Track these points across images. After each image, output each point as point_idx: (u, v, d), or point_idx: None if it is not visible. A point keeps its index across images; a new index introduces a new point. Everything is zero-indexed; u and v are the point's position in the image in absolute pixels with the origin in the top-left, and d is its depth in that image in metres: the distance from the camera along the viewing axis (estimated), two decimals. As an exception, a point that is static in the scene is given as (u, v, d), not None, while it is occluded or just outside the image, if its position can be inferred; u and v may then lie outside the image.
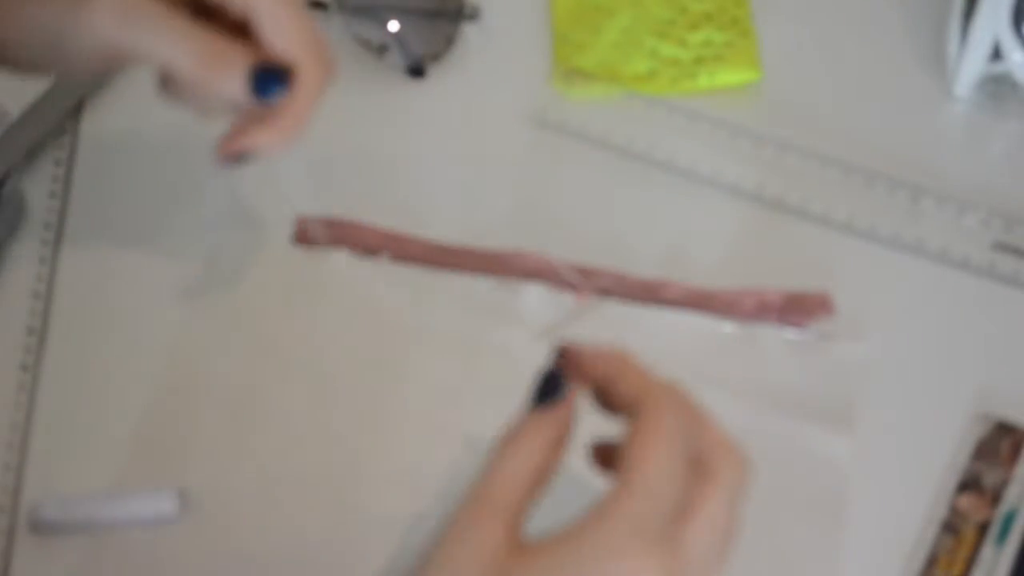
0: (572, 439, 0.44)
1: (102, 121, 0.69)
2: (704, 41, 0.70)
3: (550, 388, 0.44)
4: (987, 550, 0.56)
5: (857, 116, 0.68)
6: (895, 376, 0.61)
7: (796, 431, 0.59)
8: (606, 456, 0.45)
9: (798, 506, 0.58)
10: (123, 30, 0.51)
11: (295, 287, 0.63)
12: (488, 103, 0.69)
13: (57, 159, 0.67)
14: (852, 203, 0.65)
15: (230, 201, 0.66)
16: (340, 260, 0.64)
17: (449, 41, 0.70)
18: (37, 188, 0.66)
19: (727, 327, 0.62)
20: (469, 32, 0.71)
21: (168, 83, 0.54)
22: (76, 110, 0.68)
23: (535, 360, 0.61)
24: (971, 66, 0.67)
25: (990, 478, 0.58)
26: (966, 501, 0.58)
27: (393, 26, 0.69)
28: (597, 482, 0.44)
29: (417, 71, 0.69)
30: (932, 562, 0.56)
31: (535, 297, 0.63)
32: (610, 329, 0.62)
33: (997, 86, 0.67)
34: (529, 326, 0.62)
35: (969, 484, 0.58)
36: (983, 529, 0.57)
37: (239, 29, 0.53)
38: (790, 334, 0.62)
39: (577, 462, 0.45)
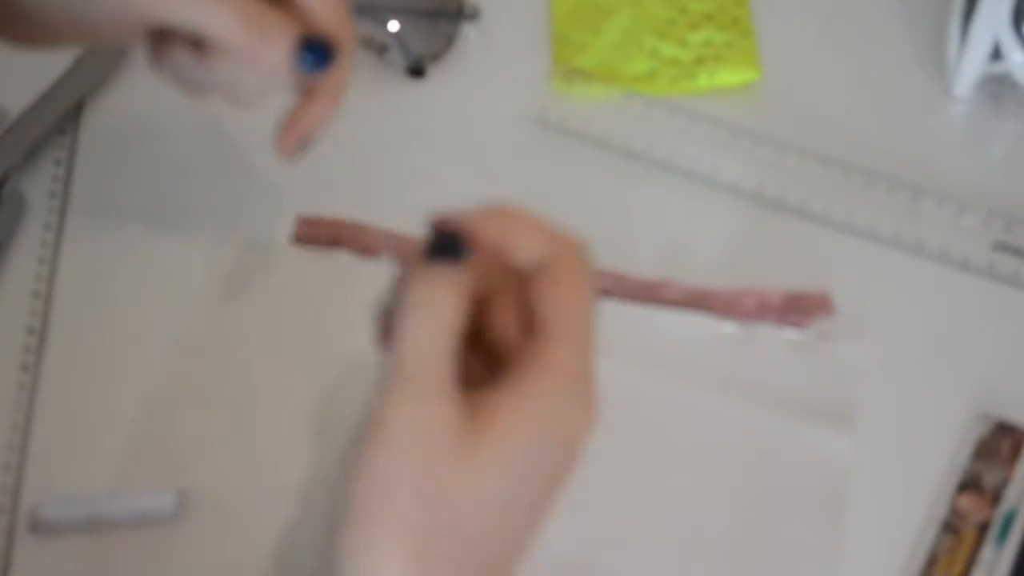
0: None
1: (102, 121, 0.69)
2: (704, 41, 0.70)
3: (446, 247, 0.43)
4: (987, 550, 0.56)
5: (857, 116, 0.68)
6: (895, 376, 0.61)
7: (796, 431, 0.59)
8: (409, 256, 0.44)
9: (798, 506, 0.58)
10: None
11: (295, 287, 0.63)
12: (488, 103, 0.69)
13: (57, 159, 0.67)
14: (852, 203, 0.65)
15: (230, 201, 0.66)
16: (340, 260, 0.64)
17: (449, 41, 0.70)
18: (37, 188, 0.66)
19: (727, 327, 0.62)
20: (469, 32, 0.71)
21: (197, 59, 0.52)
22: (76, 110, 0.68)
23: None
24: (971, 66, 0.67)
25: (990, 478, 0.58)
26: (966, 501, 0.58)
27: (393, 26, 0.69)
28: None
29: (417, 71, 0.69)
30: (932, 562, 0.56)
31: (535, 297, 0.63)
32: (610, 329, 0.62)
33: (997, 86, 0.67)
34: (529, 326, 0.62)
35: (969, 484, 0.58)
36: (983, 529, 0.57)
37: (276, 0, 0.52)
38: (790, 334, 0.62)
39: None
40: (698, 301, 0.62)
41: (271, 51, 0.51)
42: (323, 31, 0.52)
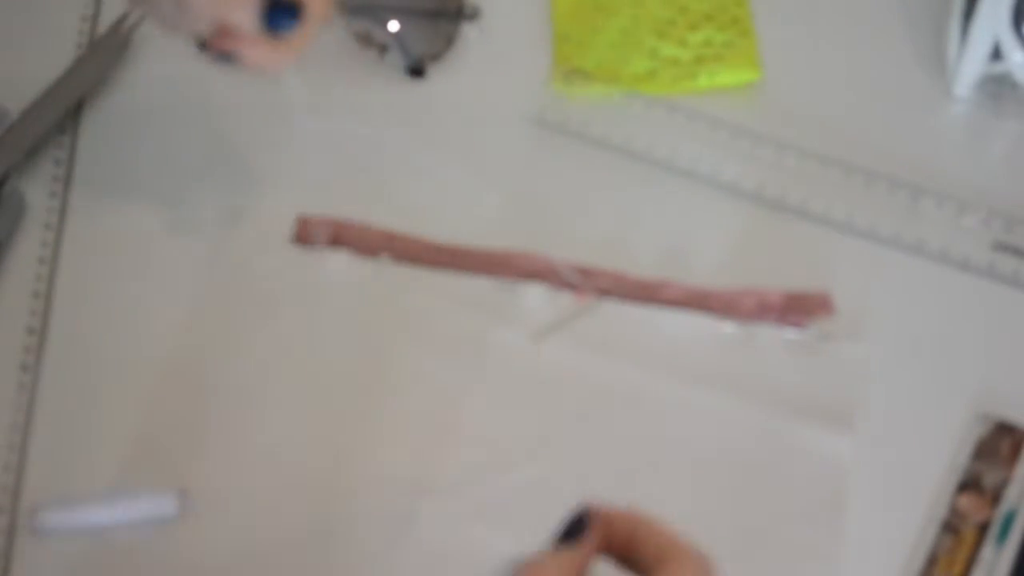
0: None
1: (102, 121, 0.69)
2: (704, 41, 0.70)
3: (574, 529, 0.45)
4: (987, 550, 0.56)
5: (857, 116, 0.68)
6: (895, 376, 0.61)
7: (796, 431, 0.59)
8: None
9: (798, 506, 0.58)
10: None
11: (295, 287, 0.63)
12: (488, 103, 0.69)
13: (57, 159, 0.67)
14: (852, 203, 0.65)
15: (230, 201, 0.66)
16: (340, 260, 0.64)
17: (449, 41, 0.70)
18: (37, 188, 0.66)
19: (727, 327, 0.62)
20: (469, 32, 0.71)
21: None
22: (76, 110, 0.69)
23: (535, 360, 0.62)
24: (971, 66, 0.67)
25: (990, 478, 0.58)
26: (966, 501, 0.58)
27: (393, 26, 0.69)
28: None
29: (417, 71, 0.69)
30: (932, 562, 0.56)
31: (535, 297, 0.63)
32: (610, 329, 0.62)
33: (997, 86, 0.67)
34: (529, 326, 0.62)
35: (969, 484, 0.58)
36: (983, 529, 0.57)
37: None
38: (790, 334, 0.62)
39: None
40: (698, 301, 0.62)
41: (239, 15, 0.53)
42: None
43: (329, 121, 0.69)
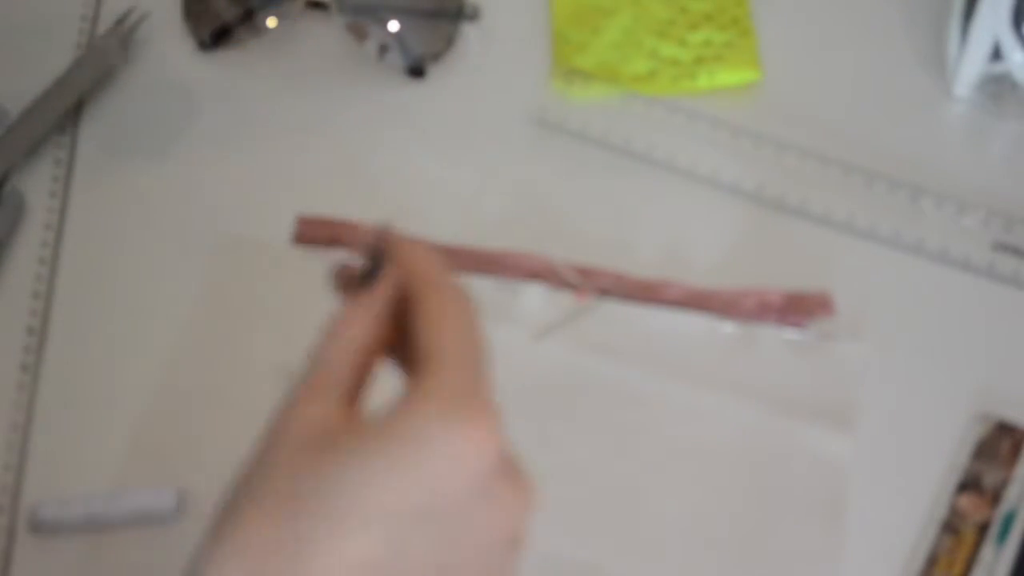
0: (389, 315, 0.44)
1: (102, 121, 0.69)
2: (704, 41, 0.70)
3: (368, 278, 0.45)
4: (987, 550, 0.56)
5: (857, 116, 0.68)
6: (895, 376, 0.61)
7: (796, 431, 0.59)
8: (348, 282, 0.46)
9: (798, 506, 0.58)
10: None
11: (295, 287, 0.63)
12: (488, 103, 0.69)
13: (57, 159, 0.67)
14: (852, 203, 0.65)
15: (230, 201, 0.66)
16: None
17: (449, 41, 0.70)
18: (37, 188, 0.66)
19: (727, 327, 0.62)
20: (469, 32, 0.71)
21: None
22: (76, 110, 0.69)
23: (535, 360, 0.62)
24: (971, 66, 0.67)
25: (990, 478, 0.58)
26: (966, 501, 0.58)
27: (393, 26, 0.69)
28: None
29: (417, 71, 0.69)
30: (932, 562, 0.56)
31: (535, 297, 0.63)
32: (610, 329, 0.62)
33: (997, 86, 0.67)
34: (529, 326, 0.62)
35: (969, 484, 0.58)
36: (983, 529, 0.57)
37: None
38: (790, 334, 0.62)
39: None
40: (698, 301, 0.62)
41: None
42: None
43: (329, 121, 0.69)
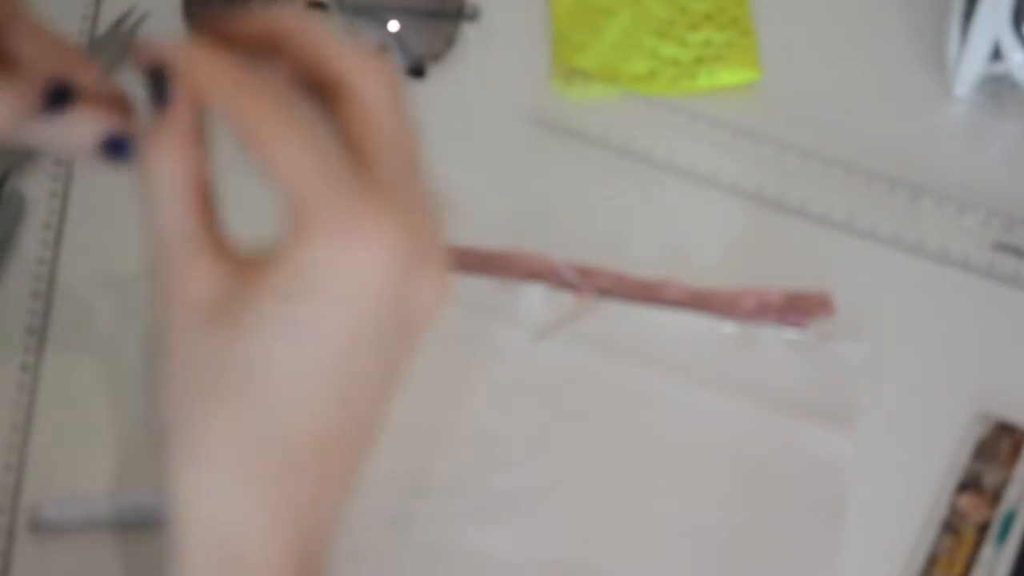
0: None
1: (102, 121, 0.69)
2: (704, 41, 0.70)
3: (157, 94, 0.40)
4: (987, 550, 0.56)
5: (857, 116, 0.68)
6: (895, 376, 0.61)
7: (796, 431, 0.59)
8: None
9: (798, 506, 0.58)
10: None
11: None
12: (488, 103, 0.69)
13: (57, 159, 0.67)
14: (852, 203, 0.65)
15: (230, 200, 0.66)
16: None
17: (449, 41, 0.70)
18: (37, 188, 0.66)
19: (727, 327, 0.62)
20: (469, 32, 0.71)
21: None
22: (76, 110, 0.68)
23: (535, 360, 0.62)
24: (971, 66, 0.67)
25: (990, 478, 0.58)
26: (966, 501, 0.58)
27: (393, 26, 0.69)
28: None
29: (417, 71, 0.69)
30: (932, 562, 0.56)
31: (535, 297, 0.63)
32: (610, 329, 0.62)
33: (997, 86, 0.67)
34: (529, 326, 0.62)
35: (969, 484, 0.58)
36: (983, 529, 0.57)
37: None
38: (790, 334, 0.62)
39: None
40: (698, 301, 0.62)
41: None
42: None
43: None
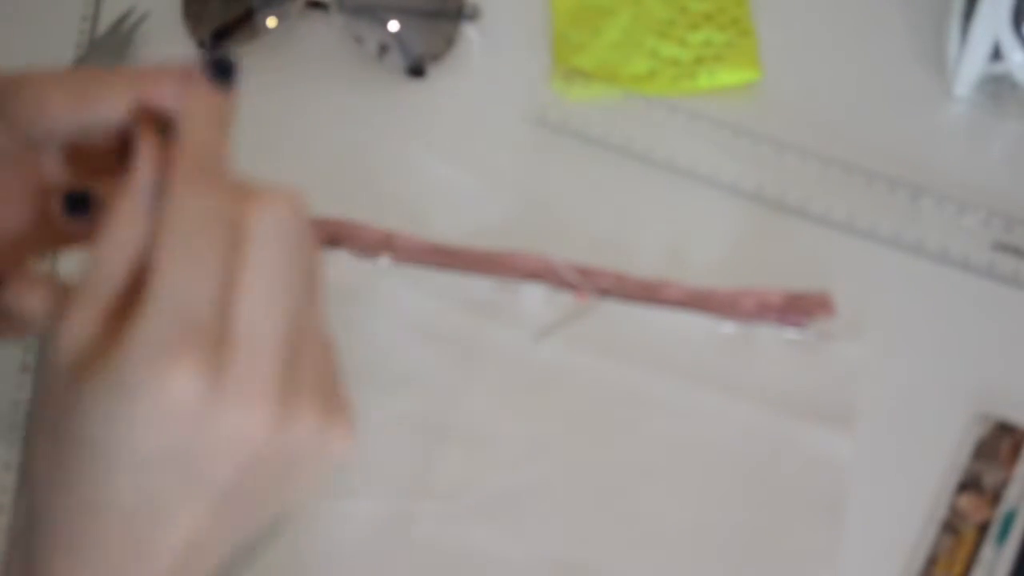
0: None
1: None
2: (704, 41, 0.70)
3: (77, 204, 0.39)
4: (987, 550, 0.56)
5: (857, 116, 0.68)
6: (895, 376, 0.61)
7: (796, 431, 0.59)
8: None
9: (798, 506, 0.58)
10: None
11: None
12: (488, 103, 0.69)
13: (57, 159, 0.67)
14: (852, 203, 0.65)
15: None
16: (340, 260, 0.64)
17: (449, 41, 0.70)
18: (37, 188, 0.66)
19: (727, 327, 0.62)
20: (469, 32, 0.71)
21: None
22: (76, 110, 0.68)
23: (535, 360, 0.62)
24: (971, 66, 0.67)
25: (990, 478, 0.58)
26: (966, 501, 0.58)
27: (393, 26, 0.69)
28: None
29: (417, 71, 0.69)
30: (932, 562, 0.56)
31: (535, 297, 0.63)
32: (610, 329, 0.62)
33: (997, 86, 0.67)
34: (529, 326, 0.62)
35: (969, 484, 0.58)
36: (983, 529, 0.57)
37: None
38: (790, 334, 0.62)
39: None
40: (698, 301, 0.62)
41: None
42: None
43: (329, 121, 0.69)
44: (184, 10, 0.71)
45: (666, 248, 0.64)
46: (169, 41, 0.71)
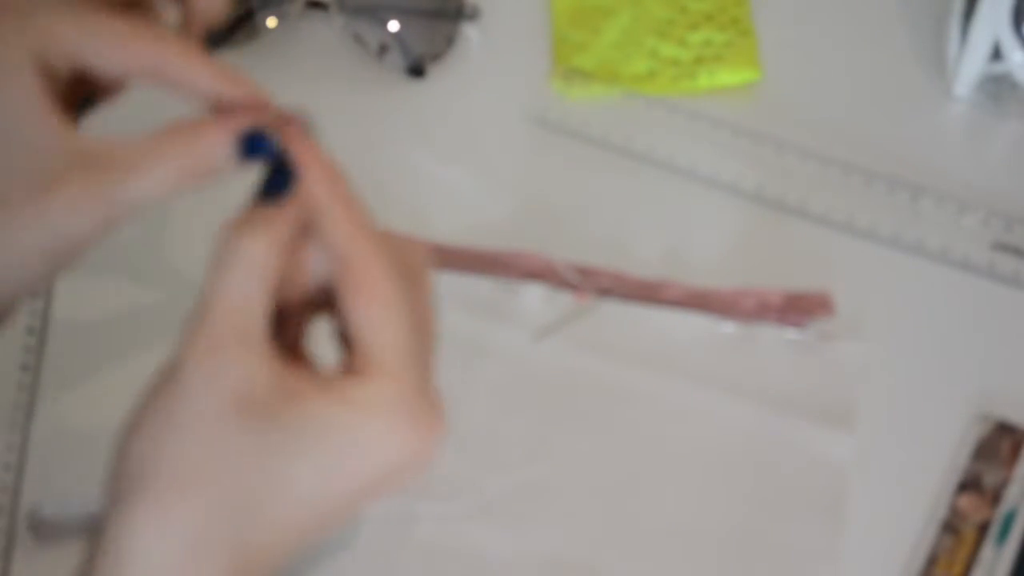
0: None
1: (101, 121, 0.69)
2: (704, 41, 0.70)
3: (277, 181, 0.39)
4: (987, 550, 0.56)
5: (857, 116, 0.68)
6: (895, 376, 0.61)
7: (796, 431, 0.59)
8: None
9: (798, 506, 0.58)
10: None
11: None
12: (488, 103, 0.69)
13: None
14: (852, 203, 0.65)
15: (230, 201, 0.66)
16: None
17: (449, 41, 0.70)
18: (37, 188, 0.66)
19: (727, 327, 0.62)
20: (469, 32, 0.71)
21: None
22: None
23: (535, 360, 0.62)
24: (971, 66, 0.67)
25: (990, 478, 0.58)
26: (966, 501, 0.58)
27: (393, 26, 0.69)
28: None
29: (417, 71, 0.69)
30: (932, 562, 0.56)
31: (535, 297, 0.63)
32: (610, 329, 0.62)
33: (997, 86, 0.67)
34: (529, 326, 0.62)
35: (969, 484, 0.58)
36: (983, 529, 0.57)
37: None
38: (790, 334, 0.62)
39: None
40: (698, 301, 0.62)
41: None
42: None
43: (329, 121, 0.69)
44: (184, 10, 0.71)
45: (666, 248, 0.65)
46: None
